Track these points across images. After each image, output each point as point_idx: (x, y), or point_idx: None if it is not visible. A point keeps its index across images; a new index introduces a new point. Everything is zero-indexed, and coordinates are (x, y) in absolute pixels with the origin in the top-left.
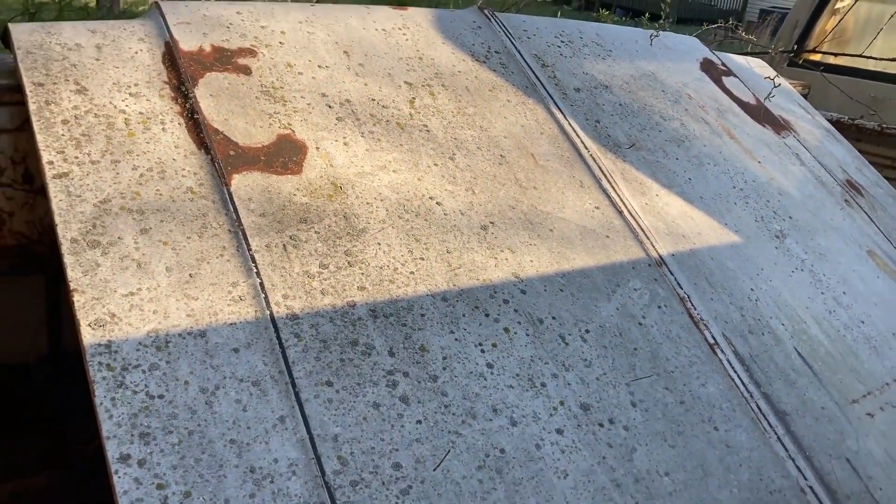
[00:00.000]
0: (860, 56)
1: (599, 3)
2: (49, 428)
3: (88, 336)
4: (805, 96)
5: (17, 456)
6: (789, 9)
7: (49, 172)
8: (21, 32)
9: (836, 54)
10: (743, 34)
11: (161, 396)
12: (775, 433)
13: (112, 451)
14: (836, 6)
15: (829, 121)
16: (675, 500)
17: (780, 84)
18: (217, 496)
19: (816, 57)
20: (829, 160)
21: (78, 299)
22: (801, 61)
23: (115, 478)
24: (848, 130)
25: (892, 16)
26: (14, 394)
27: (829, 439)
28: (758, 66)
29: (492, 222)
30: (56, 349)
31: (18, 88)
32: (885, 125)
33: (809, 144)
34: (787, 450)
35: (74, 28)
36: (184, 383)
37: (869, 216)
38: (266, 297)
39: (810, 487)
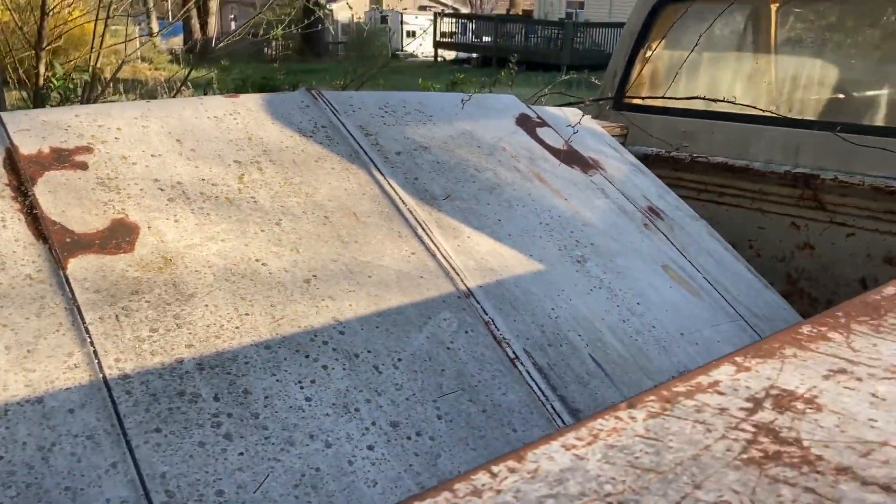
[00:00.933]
0: (666, 98)
1: (498, 59)
2: None
3: None
4: (624, 136)
5: None
6: None
7: None
8: None
9: (643, 98)
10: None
11: (0, 458)
12: None
13: None
14: (647, 55)
15: (648, 155)
16: None
17: (577, 130)
18: None
19: (638, 101)
20: (633, 191)
21: None
22: (624, 106)
23: None
24: (666, 162)
25: (684, 60)
26: None
27: None
28: (573, 115)
29: (314, 276)
30: None
31: None
32: (694, 154)
33: (615, 179)
34: None
35: None
36: (21, 444)
37: (666, 236)
38: (99, 363)
39: None
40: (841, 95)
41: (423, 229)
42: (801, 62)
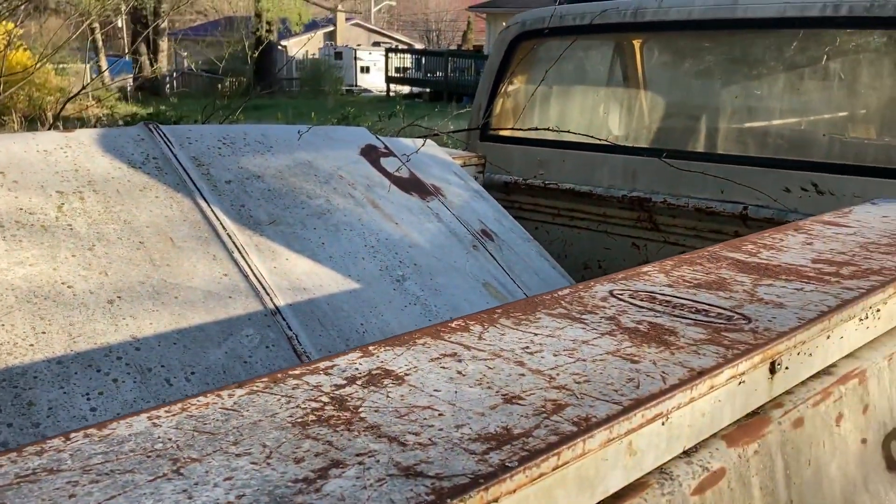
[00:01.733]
0: (520, 129)
1: (448, 94)
2: None
3: None
4: (482, 165)
5: None
6: None
7: None
8: None
9: (503, 129)
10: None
11: None
12: None
13: None
14: (507, 89)
15: (509, 183)
16: None
17: (409, 159)
18: None
19: (502, 132)
20: (469, 215)
21: None
22: (488, 136)
23: None
24: (524, 189)
25: (533, 93)
26: None
27: None
28: (428, 147)
29: (119, 297)
30: None
31: None
32: (547, 181)
33: (453, 204)
34: None
35: None
36: None
37: (493, 255)
38: None
39: None
40: (668, 124)
41: (241, 252)
42: (637, 94)
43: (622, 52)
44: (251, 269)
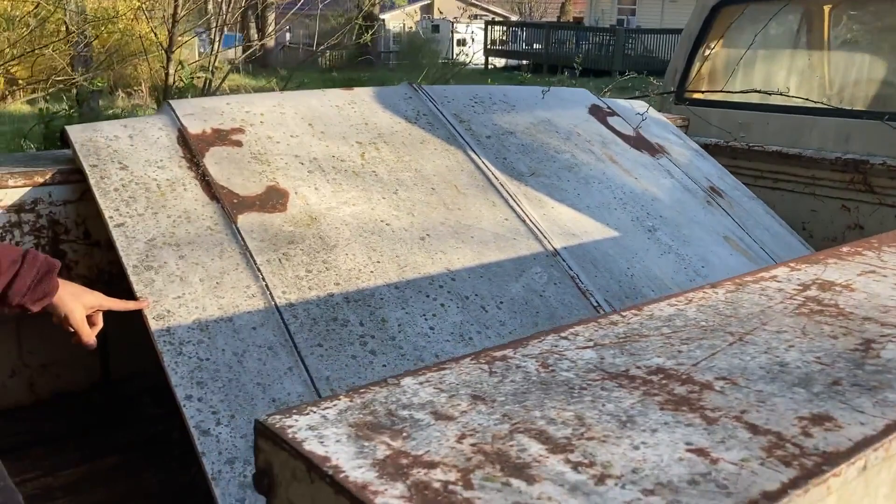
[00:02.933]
0: (724, 91)
1: (549, 66)
2: (106, 430)
3: (154, 325)
4: (685, 127)
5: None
6: None
7: (111, 223)
8: (75, 131)
9: (703, 91)
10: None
11: (207, 359)
12: None
13: (180, 393)
14: (706, 53)
15: (708, 144)
16: None
17: (646, 117)
18: (252, 416)
19: (699, 95)
20: (696, 173)
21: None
22: (685, 99)
23: (184, 409)
24: (724, 151)
25: (741, 58)
26: (78, 410)
27: None
28: (639, 106)
29: (428, 234)
30: (107, 379)
31: (78, 171)
32: (750, 144)
33: (679, 162)
34: None
35: (111, 125)
36: (221, 350)
37: (727, 211)
38: (271, 293)
39: None
40: (889, 88)
41: (514, 200)
42: (852, 58)
43: (837, 15)
44: (526, 215)
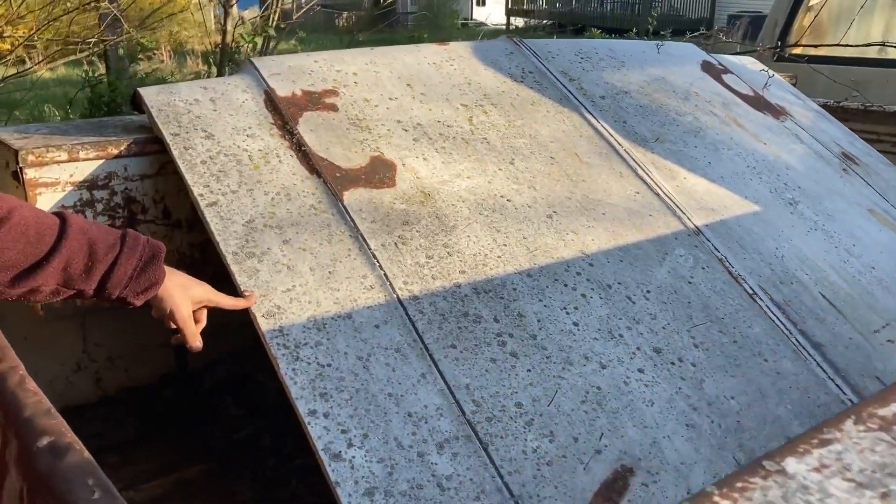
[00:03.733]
0: (837, 45)
1: (573, 25)
2: (186, 432)
3: (264, 324)
4: (794, 86)
5: (164, 455)
6: (758, 12)
7: (202, 203)
8: (150, 94)
9: (815, 46)
10: (724, 38)
11: (329, 365)
12: (814, 360)
13: (302, 407)
14: (811, 3)
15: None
16: (743, 416)
17: (773, 76)
18: (388, 435)
19: (798, 50)
20: (824, 137)
21: None
22: (787, 55)
23: (308, 427)
24: (835, 112)
25: (862, 6)
26: (150, 408)
27: (859, 362)
28: (750, 63)
29: (554, 212)
30: (182, 370)
31: (155, 140)
32: (867, 103)
33: (805, 125)
34: (826, 373)
35: (189, 87)
36: (343, 354)
37: (865, 181)
38: (391, 284)
39: (850, 400)
40: None
41: (643, 170)
42: None
43: None
44: (659, 188)
